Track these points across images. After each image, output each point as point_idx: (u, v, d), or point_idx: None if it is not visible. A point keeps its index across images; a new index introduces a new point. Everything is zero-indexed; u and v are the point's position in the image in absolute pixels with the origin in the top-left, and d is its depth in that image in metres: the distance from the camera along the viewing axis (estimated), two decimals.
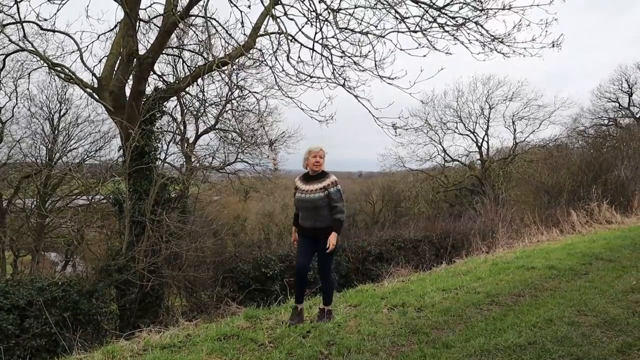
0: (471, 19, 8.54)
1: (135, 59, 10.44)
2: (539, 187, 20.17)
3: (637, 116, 34.92)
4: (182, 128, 18.92)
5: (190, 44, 15.23)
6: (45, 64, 11.67)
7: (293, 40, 9.40)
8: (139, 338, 5.26)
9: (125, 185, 9.88)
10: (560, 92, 73.46)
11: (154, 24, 13.36)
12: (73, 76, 11.28)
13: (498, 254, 10.42)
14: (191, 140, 21.43)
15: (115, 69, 10.77)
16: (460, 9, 8.47)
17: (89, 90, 11.30)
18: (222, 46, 11.58)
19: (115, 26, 11.72)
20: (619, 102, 35.57)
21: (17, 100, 18.83)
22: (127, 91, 10.88)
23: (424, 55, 8.61)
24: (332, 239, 5.22)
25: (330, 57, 9.42)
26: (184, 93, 15.44)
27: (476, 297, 6.20)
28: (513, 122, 32.35)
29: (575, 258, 8.72)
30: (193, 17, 11.55)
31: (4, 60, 13.19)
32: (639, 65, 34.18)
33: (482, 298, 6.11)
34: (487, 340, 4.42)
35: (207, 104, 19.23)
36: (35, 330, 7.70)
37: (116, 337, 6.69)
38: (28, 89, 30.96)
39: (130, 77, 10.90)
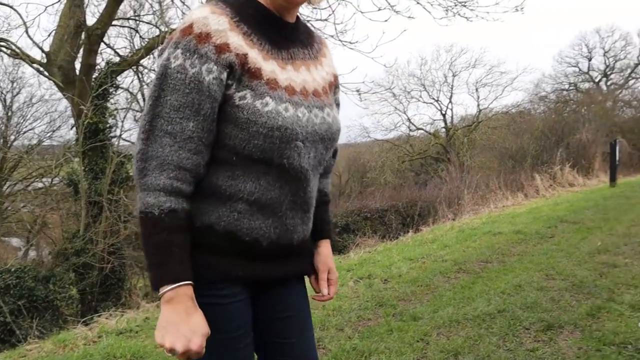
0: None
1: (83, 31, 9.91)
2: (503, 153, 20.41)
3: (597, 80, 35.52)
4: (140, 103, 18.28)
5: (147, 15, 14.61)
6: None
7: None
8: (96, 324, 4.99)
9: (79, 165, 9.46)
10: (522, 59, 73.74)
11: None
12: (19, 51, 10.70)
13: (464, 220, 10.40)
14: None
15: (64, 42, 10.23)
16: None
17: (36, 65, 10.73)
18: (178, 17, 11.10)
19: None
20: (579, 67, 36.00)
21: None
22: (78, 66, 10.37)
23: (385, 20, 8.41)
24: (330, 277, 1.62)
25: None
26: (142, 67, 14.86)
27: (443, 265, 6.11)
28: (476, 89, 32.37)
29: (540, 222, 8.75)
30: None
31: None
32: (598, 30, 34.70)
33: (450, 266, 6.02)
34: (455, 310, 4.31)
35: None
36: None
37: (77, 323, 6.42)
38: None
39: (81, 51, 10.37)
